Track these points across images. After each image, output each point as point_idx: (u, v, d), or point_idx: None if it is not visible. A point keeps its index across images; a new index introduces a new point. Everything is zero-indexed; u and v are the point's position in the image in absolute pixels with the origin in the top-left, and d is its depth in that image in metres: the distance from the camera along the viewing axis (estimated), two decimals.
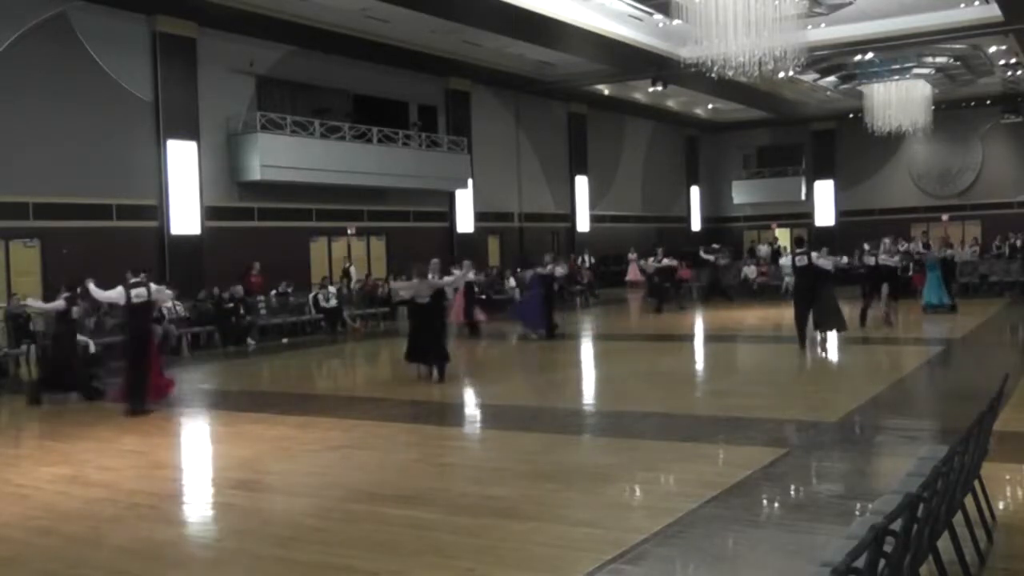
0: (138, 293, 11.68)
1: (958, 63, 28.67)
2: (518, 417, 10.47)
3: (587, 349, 19.01)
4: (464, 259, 20.93)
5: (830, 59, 27.11)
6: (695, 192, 41.39)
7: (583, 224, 33.38)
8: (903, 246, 23.92)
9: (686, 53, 20.09)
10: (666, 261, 25.19)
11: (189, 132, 20.40)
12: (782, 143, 40.11)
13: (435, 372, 13.08)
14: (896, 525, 3.58)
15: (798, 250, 16.11)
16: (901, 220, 35.91)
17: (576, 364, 16.59)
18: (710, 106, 35.97)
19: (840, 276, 28.38)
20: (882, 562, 3.46)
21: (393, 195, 25.55)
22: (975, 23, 23.47)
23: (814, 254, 16.01)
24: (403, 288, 14.13)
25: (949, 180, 36.96)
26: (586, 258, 31.01)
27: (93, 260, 17.74)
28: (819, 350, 15.87)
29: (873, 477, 7.62)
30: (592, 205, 33.85)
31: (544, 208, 32.02)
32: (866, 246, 22.99)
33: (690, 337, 20.11)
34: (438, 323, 13.50)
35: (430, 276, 13.23)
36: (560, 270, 20.30)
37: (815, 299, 15.91)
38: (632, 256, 31.89)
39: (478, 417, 11.24)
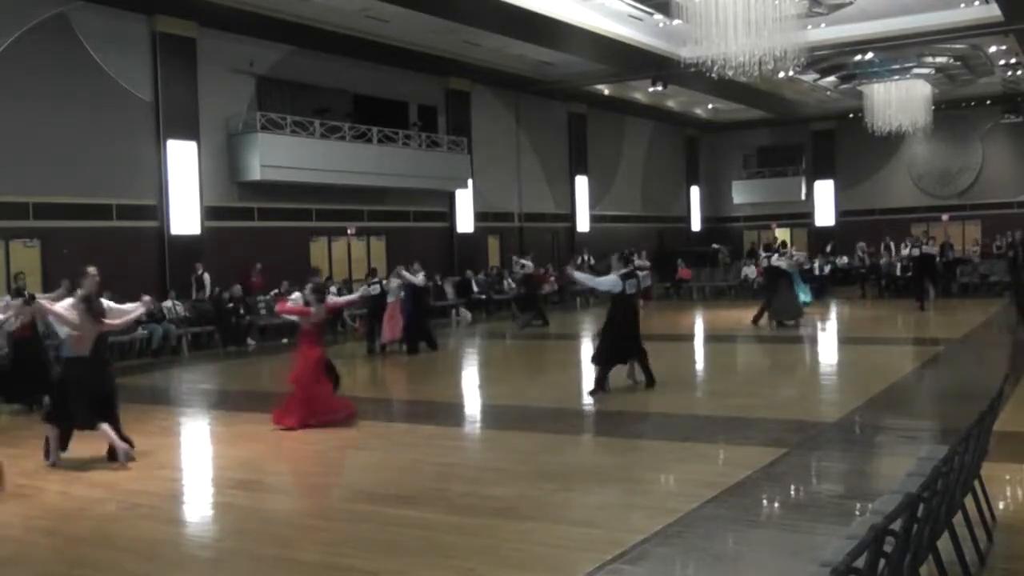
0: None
1: (958, 63, 28.66)
2: (518, 417, 10.47)
3: (586, 349, 18.99)
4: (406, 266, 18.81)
5: (830, 59, 27.10)
6: (695, 192, 41.38)
7: (583, 224, 33.36)
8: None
9: (686, 53, 20.08)
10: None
11: (189, 132, 20.39)
12: (782, 143, 40.08)
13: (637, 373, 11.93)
14: (896, 525, 3.58)
15: (764, 253, 20.06)
16: (901, 220, 35.92)
17: (576, 364, 16.58)
18: (710, 106, 35.95)
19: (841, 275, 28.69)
20: (882, 562, 3.46)
21: (393, 195, 25.55)
22: (975, 23, 23.46)
23: (774, 256, 19.95)
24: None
25: (949, 180, 36.95)
26: (586, 258, 30.98)
27: (93, 260, 17.74)
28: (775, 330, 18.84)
29: (873, 477, 7.62)
30: (592, 205, 33.83)
31: (544, 208, 32.01)
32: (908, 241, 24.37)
33: (690, 337, 20.11)
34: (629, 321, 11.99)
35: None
36: (420, 280, 18.39)
37: (775, 293, 19.48)
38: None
39: (478, 417, 11.24)
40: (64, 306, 8.60)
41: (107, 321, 8.64)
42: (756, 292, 28.59)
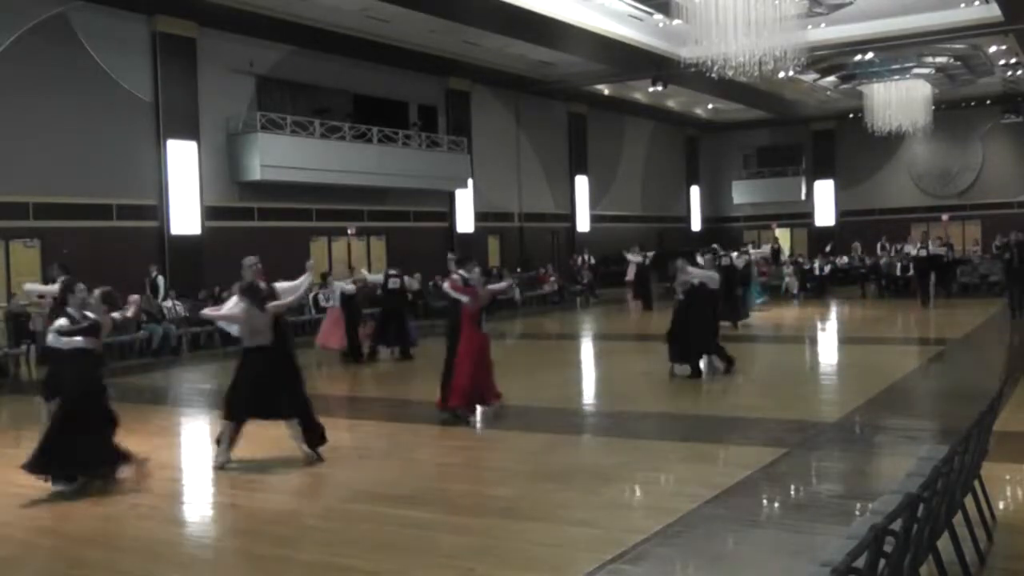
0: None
1: (958, 63, 28.67)
2: (518, 417, 10.47)
3: (587, 349, 19.00)
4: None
5: (830, 59, 27.11)
6: (695, 192, 41.39)
7: (583, 224, 33.37)
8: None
9: (686, 53, 20.08)
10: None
11: (189, 132, 20.39)
12: (782, 143, 40.09)
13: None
14: (896, 525, 3.58)
15: (721, 252, 20.11)
16: (901, 220, 35.92)
17: (576, 364, 16.59)
18: (710, 106, 35.96)
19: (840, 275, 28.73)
20: (882, 562, 3.46)
21: (393, 195, 25.55)
22: (975, 23, 23.47)
23: (734, 254, 20.13)
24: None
25: (949, 180, 36.95)
26: (586, 258, 31.00)
27: (93, 260, 17.77)
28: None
29: (873, 477, 7.62)
30: (592, 205, 33.83)
31: (544, 208, 32.01)
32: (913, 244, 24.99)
33: None
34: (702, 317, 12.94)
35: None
36: (378, 278, 17.12)
37: (729, 293, 18.91)
38: (630, 256, 31.16)
39: (478, 417, 11.23)
40: (229, 305, 8.50)
41: (275, 304, 8.43)
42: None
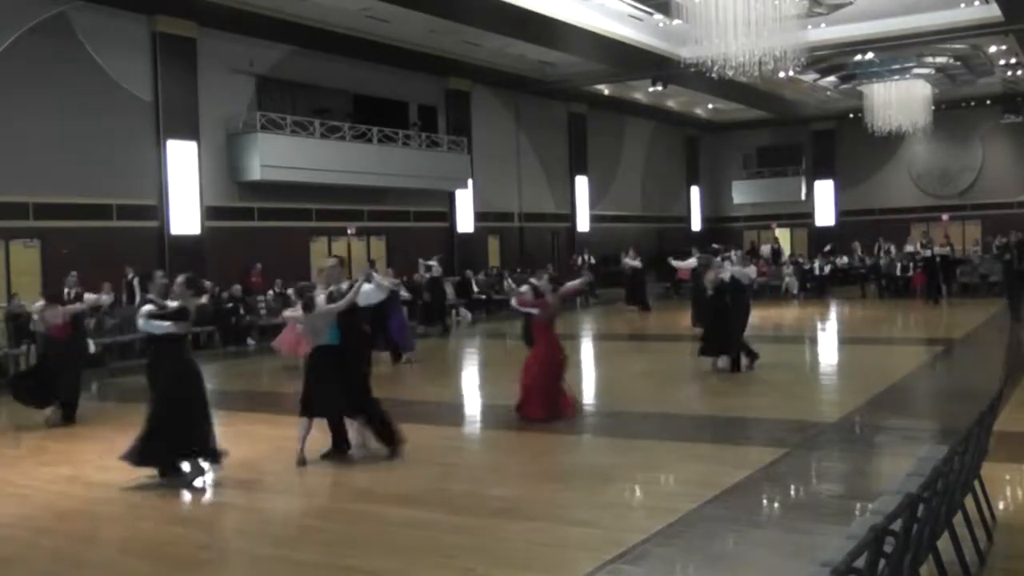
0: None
1: (958, 63, 28.68)
2: (518, 417, 10.46)
3: (587, 349, 18.99)
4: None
5: (830, 59, 27.11)
6: (695, 192, 41.39)
7: (583, 224, 33.37)
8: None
9: (686, 53, 20.09)
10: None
11: (189, 132, 20.39)
12: (782, 143, 40.08)
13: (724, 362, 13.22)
14: (896, 525, 3.58)
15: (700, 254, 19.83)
16: (901, 220, 35.92)
17: (576, 364, 16.57)
18: (710, 106, 35.96)
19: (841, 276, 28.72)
20: (882, 562, 3.46)
21: (393, 195, 25.54)
22: (975, 23, 23.48)
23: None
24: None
25: (949, 180, 36.96)
26: (587, 258, 30.98)
27: (93, 260, 17.77)
28: None
29: (873, 477, 7.62)
30: (592, 205, 33.83)
31: (544, 208, 32.01)
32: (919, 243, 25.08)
33: (689, 337, 20.08)
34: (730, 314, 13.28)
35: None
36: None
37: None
38: (628, 259, 30.28)
39: (478, 417, 11.23)
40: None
41: (329, 307, 8.38)
42: (756, 293, 28.61)
